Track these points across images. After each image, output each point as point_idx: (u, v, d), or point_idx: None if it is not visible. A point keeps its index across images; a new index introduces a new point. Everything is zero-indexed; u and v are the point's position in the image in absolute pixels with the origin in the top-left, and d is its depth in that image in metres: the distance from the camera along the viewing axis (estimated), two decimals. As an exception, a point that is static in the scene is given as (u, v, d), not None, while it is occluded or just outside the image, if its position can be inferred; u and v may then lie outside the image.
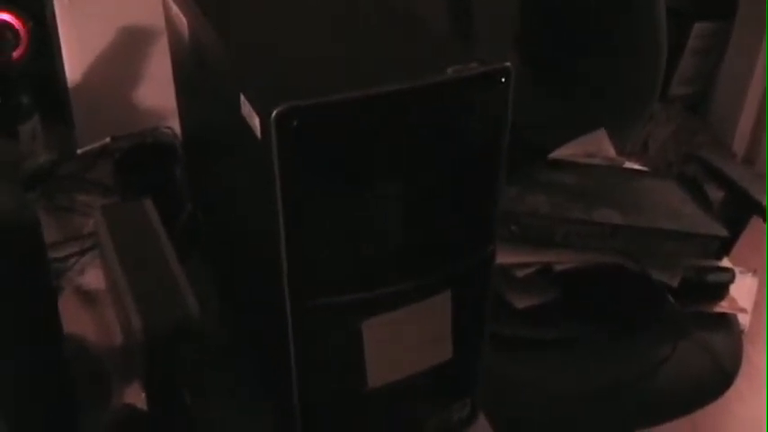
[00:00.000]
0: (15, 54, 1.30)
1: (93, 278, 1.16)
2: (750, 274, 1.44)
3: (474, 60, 0.73)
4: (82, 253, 1.20)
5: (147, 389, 0.95)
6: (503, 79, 0.74)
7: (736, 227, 1.38)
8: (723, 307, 1.35)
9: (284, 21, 0.88)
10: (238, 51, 0.81)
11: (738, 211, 1.42)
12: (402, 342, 0.84)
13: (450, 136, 0.75)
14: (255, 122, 0.70)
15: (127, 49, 1.40)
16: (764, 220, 1.37)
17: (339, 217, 0.74)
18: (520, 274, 1.24)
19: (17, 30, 1.30)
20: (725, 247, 1.34)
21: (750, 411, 1.81)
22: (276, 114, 0.67)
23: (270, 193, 0.71)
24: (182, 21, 0.95)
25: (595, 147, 1.51)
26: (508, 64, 0.73)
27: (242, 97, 0.73)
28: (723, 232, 1.32)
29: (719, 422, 1.89)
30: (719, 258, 1.34)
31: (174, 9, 0.97)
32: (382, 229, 0.76)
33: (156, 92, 1.33)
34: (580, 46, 1.49)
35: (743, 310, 1.36)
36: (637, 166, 1.59)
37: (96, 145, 1.40)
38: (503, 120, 0.76)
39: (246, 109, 0.73)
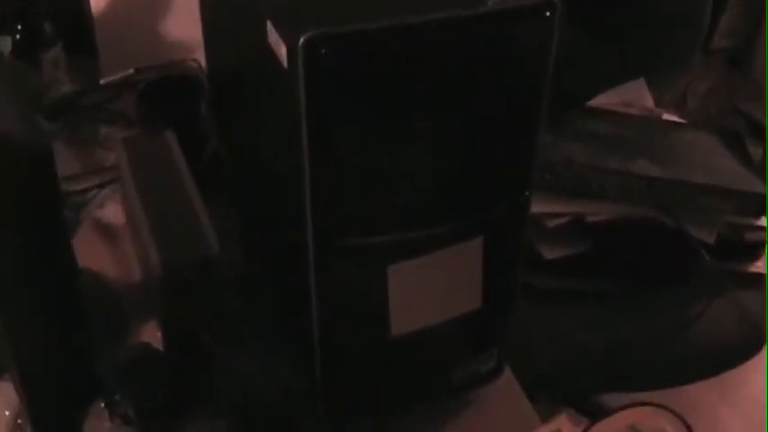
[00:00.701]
0: (38, -20, 1.27)
1: (112, 212, 1.14)
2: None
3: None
4: (102, 186, 1.18)
5: (164, 327, 0.93)
6: (547, 13, 0.69)
7: (776, 184, 1.34)
8: (759, 267, 1.32)
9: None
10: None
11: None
12: (429, 289, 0.81)
13: (489, 72, 0.71)
14: (282, 51, 0.67)
15: (154, -22, 1.37)
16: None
17: (367, 153, 0.71)
18: (551, 224, 1.20)
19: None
20: (764, 206, 1.30)
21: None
22: (304, 41, 0.63)
23: (295, 126, 0.68)
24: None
25: (633, 96, 1.47)
26: (554, -4, 0.69)
27: (269, 24, 0.70)
28: (763, 189, 1.28)
29: (749, 384, 1.86)
30: (758, 217, 1.30)
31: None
32: (413, 169, 0.73)
33: (184, 22, 1.30)
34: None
35: (779, 271, 1.33)
36: (675, 118, 1.54)
37: (120, 76, 1.37)
38: (546, 58, 0.72)
39: (273, 37, 0.69)
